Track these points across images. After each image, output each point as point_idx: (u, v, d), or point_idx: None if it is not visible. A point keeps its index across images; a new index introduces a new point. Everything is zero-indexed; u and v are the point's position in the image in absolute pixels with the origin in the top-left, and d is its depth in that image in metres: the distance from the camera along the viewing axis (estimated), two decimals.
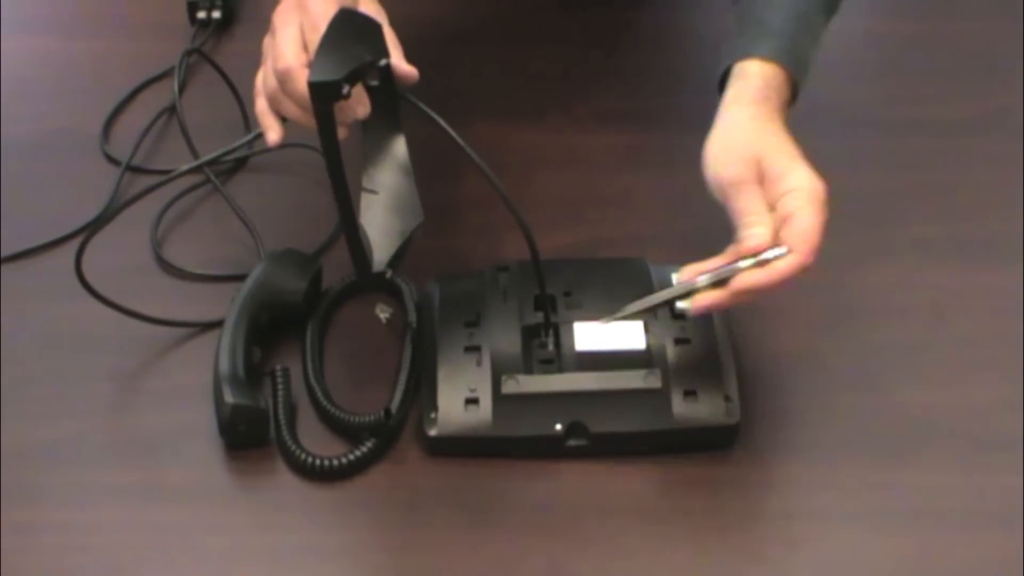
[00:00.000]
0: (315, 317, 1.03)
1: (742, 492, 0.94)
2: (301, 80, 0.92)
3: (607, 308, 0.97)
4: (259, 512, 0.94)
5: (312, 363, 1.00)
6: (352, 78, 0.90)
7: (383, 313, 1.04)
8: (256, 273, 1.03)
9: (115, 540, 0.92)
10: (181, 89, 1.23)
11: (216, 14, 1.31)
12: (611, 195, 1.13)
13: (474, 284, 1.02)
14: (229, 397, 0.94)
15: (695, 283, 0.90)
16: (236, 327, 0.99)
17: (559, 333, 0.97)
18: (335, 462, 0.94)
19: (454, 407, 0.95)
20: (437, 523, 0.92)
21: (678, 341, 0.97)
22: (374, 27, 0.95)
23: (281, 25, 0.96)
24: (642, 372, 0.94)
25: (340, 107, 0.91)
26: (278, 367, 0.98)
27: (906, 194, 1.15)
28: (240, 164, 1.18)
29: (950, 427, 0.97)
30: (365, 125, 0.97)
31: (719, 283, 0.90)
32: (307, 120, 0.93)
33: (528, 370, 0.95)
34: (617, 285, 0.99)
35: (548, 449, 0.95)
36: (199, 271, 1.09)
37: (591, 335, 0.97)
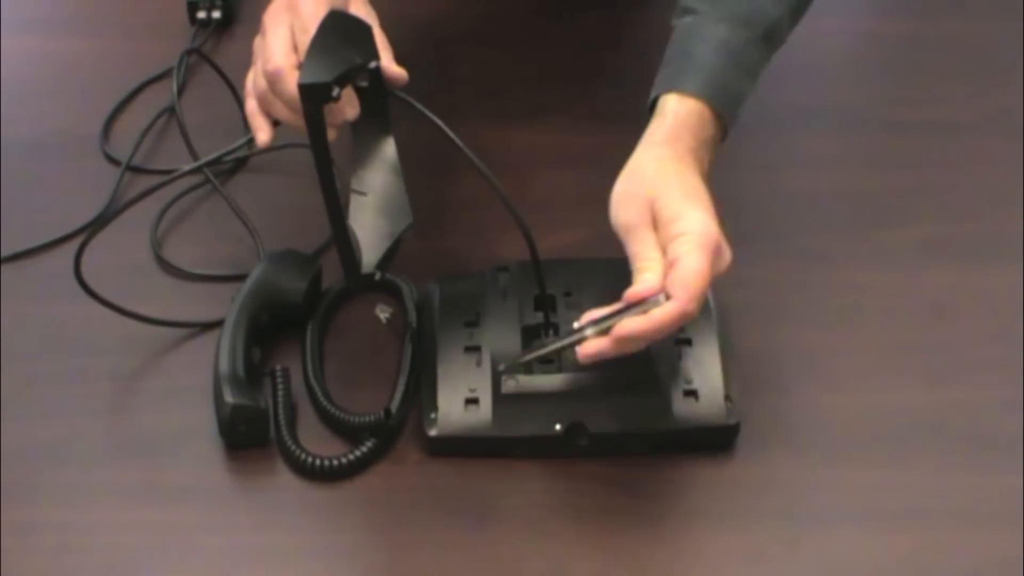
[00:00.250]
0: (315, 317, 1.03)
1: (742, 492, 0.94)
2: (291, 81, 0.92)
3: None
4: (259, 512, 0.94)
5: (312, 363, 1.00)
6: (342, 80, 0.90)
7: (383, 313, 1.04)
8: (256, 273, 1.03)
9: (115, 540, 0.92)
10: (181, 89, 1.23)
11: (216, 14, 1.31)
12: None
13: (474, 284, 1.02)
14: (229, 397, 0.94)
15: (583, 331, 0.90)
16: (236, 327, 0.99)
17: (559, 333, 0.97)
18: (335, 462, 0.94)
19: (454, 407, 0.95)
20: (437, 523, 0.92)
21: (678, 341, 0.97)
22: (364, 29, 0.96)
23: (271, 26, 0.96)
24: (642, 372, 0.94)
25: (330, 109, 0.91)
26: (278, 367, 0.98)
27: (906, 194, 1.15)
28: (240, 164, 1.18)
29: (950, 427, 0.97)
30: (355, 127, 0.97)
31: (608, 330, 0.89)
32: (297, 121, 0.93)
33: (528, 370, 0.95)
34: (617, 285, 0.98)
35: (548, 449, 0.95)
36: (199, 271, 1.09)
37: None
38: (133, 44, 1.32)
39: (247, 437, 0.95)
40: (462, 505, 0.93)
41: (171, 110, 1.21)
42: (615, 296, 0.94)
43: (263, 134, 0.97)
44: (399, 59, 0.99)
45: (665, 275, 0.88)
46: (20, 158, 1.19)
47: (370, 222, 0.98)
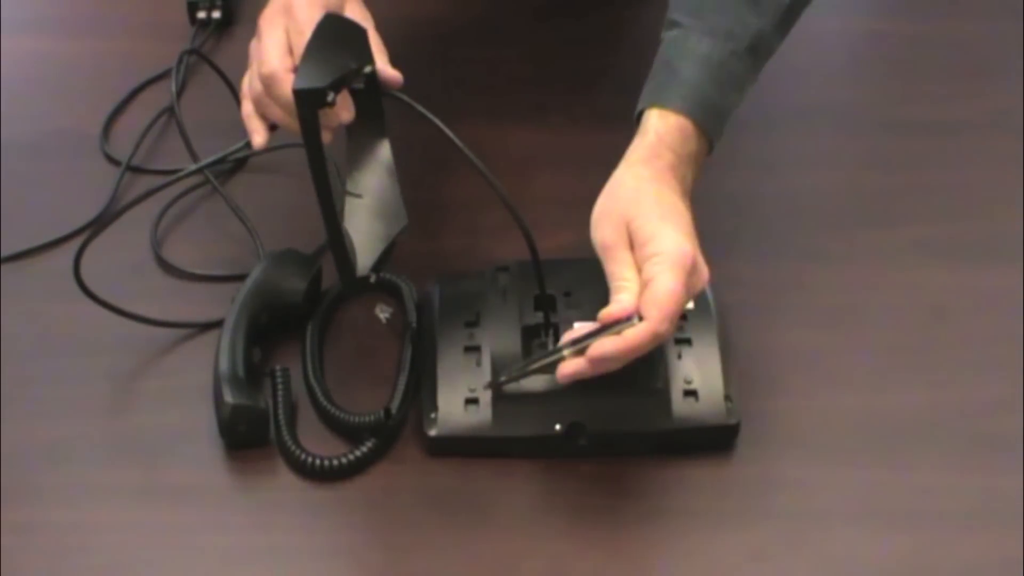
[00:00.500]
0: (315, 317, 1.03)
1: (742, 492, 0.94)
2: (286, 85, 0.92)
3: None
4: (259, 512, 0.94)
5: (312, 363, 1.00)
6: (337, 85, 0.90)
7: (383, 313, 1.04)
8: (256, 273, 1.03)
9: (115, 540, 0.92)
10: (180, 89, 1.23)
11: (216, 14, 1.32)
12: None
13: (474, 284, 1.02)
14: (229, 397, 0.94)
15: (560, 351, 0.90)
16: (236, 327, 0.99)
17: (559, 333, 0.97)
18: (335, 462, 0.94)
19: (454, 407, 0.95)
20: (437, 523, 0.92)
21: (678, 341, 0.97)
22: (359, 32, 0.96)
23: (267, 29, 0.96)
24: (642, 372, 0.94)
25: (325, 112, 0.91)
26: (278, 367, 0.98)
27: (906, 194, 1.15)
28: (239, 164, 1.18)
29: (950, 427, 0.97)
30: (350, 129, 0.97)
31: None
32: (292, 124, 0.93)
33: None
34: None
35: (548, 449, 0.95)
36: (199, 271, 1.09)
37: None
38: (133, 44, 1.32)
39: (247, 437, 0.95)
40: (462, 505, 0.93)
41: (171, 110, 1.21)
42: None
43: (259, 137, 0.97)
44: (397, 59, 0.99)
45: (640, 295, 0.88)
46: (20, 158, 1.19)
47: (365, 224, 0.98)
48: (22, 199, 1.15)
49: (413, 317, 1.01)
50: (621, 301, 0.88)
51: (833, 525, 0.92)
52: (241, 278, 1.03)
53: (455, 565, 0.90)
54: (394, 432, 0.96)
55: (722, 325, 0.99)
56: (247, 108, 0.98)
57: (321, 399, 0.97)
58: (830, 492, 0.94)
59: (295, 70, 0.93)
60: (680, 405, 0.94)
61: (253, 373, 0.98)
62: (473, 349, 0.97)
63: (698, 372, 0.96)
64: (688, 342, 0.97)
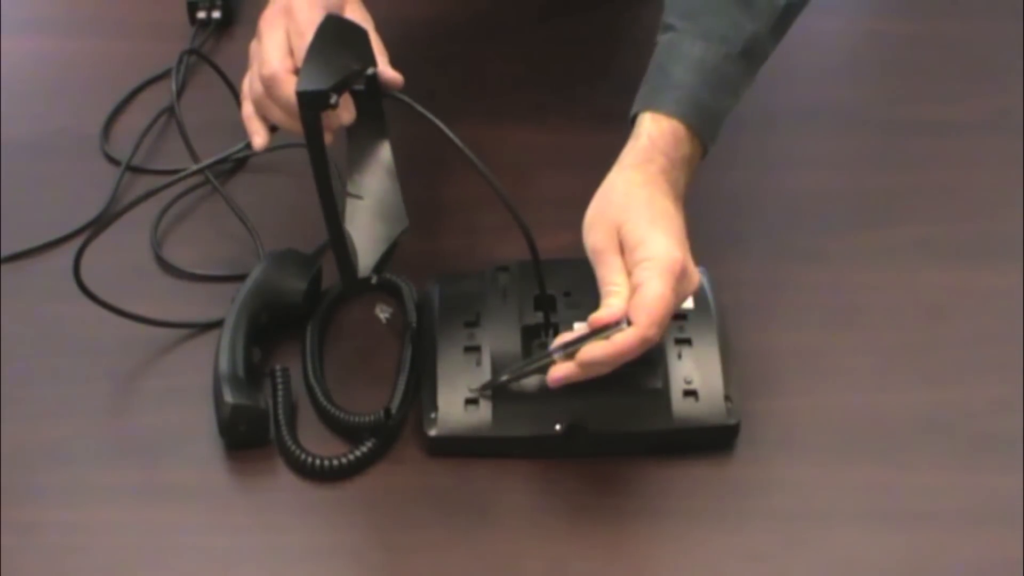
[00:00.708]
0: (315, 317, 1.03)
1: (742, 492, 0.94)
2: (286, 86, 0.93)
3: None
4: (259, 512, 0.94)
5: (312, 363, 1.00)
6: (340, 87, 0.90)
7: (383, 313, 1.04)
8: (256, 273, 1.03)
9: (115, 540, 0.92)
10: (180, 90, 1.23)
11: (216, 14, 1.31)
12: None
13: (474, 284, 1.02)
14: (229, 397, 0.94)
15: (551, 355, 0.90)
16: (236, 327, 0.99)
17: (559, 333, 0.97)
18: (335, 462, 0.94)
19: (454, 407, 0.95)
20: (437, 523, 0.92)
21: (678, 341, 0.97)
22: (360, 33, 0.96)
23: (267, 30, 0.96)
24: (642, 372, 0.94)
25: (326, 114, 0.91)
26: (278, 367, 0.98)
27: (906, 194, 1.15)
28: (239, 164, 1.18)
29: (950, 427, 0.97)
30: (350, 130, 0.97)
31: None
32: (293, 125, 0.93)
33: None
34: None
35: (548, 449, 0.95)
36: (199, 271, 1.09)
37: None
38: (133, 44, 1.32)
39: (247, 437, 0.95)
40: (462, 505, 0.93)
41: (171, 110, 1.21)
42: None
43: (259, 138, 0.97)
44: (397, 60, 0.99)
45: (629, 300, 0.88)
46: (20, 158, 1.19)
47: (366, 226, 0.98)
48: (22, 199, 1.15)
49: (413, 317, 1.01)
50: (610, 306, 0.89)
51: (833, 525, 0.92)
52: (241, 278, 1.03)
53: (455, 565, 0.90)
54: (394, 432, 0.96)
55: (722, 325, 0.99)
56: (247, 109, 0.98)
57: (321, 399, 0.97)
58: (830, 492, 0.94)
59: (296, 71, 0.93)
60: (680, 405, 0.94)
61: (253, 373, 0.98)
62: (473, 349, 0.97)
63: (698, 372, 0.96)
64: (688, 342, 0.97)
